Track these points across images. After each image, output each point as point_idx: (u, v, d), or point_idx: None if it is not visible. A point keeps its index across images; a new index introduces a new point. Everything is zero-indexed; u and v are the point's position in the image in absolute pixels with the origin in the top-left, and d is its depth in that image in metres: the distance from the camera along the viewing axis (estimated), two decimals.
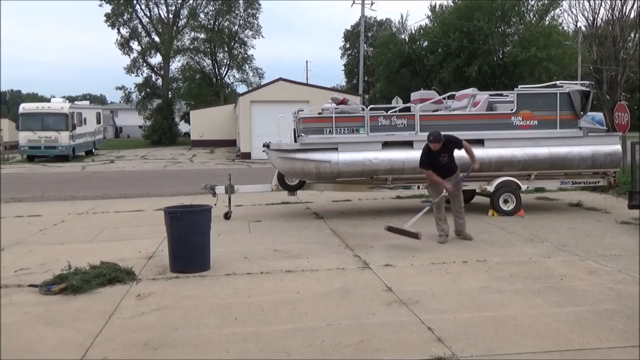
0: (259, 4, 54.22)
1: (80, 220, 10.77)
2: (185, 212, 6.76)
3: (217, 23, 54.15)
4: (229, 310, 5.23)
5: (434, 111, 10.90)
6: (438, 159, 8.06)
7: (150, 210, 11.57)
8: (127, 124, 77.52)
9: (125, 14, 51.51)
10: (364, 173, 10.09)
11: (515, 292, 5.61)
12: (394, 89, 46.99)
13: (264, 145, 10.86)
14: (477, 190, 11.08)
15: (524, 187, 10.41)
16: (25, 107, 30.75)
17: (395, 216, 10.35)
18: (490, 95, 11.14)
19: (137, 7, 51.85)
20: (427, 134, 10.04)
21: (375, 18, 64.79)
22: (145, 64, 53.61)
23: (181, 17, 53.32)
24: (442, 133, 8.08)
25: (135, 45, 53.02)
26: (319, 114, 10.72)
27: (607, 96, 41.87)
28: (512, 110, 10.36)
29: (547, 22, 45.01)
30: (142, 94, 53.98)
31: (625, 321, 4.74)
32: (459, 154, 9.37)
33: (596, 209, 10.83)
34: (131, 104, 56.63)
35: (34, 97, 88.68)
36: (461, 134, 10.10)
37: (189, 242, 6.50)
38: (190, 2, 52.74)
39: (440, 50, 46.50)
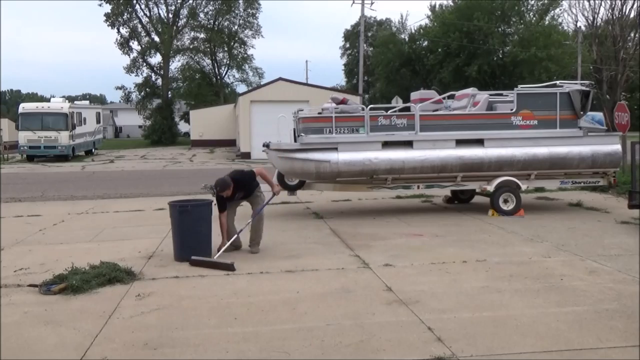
0: (259, 4, 54.41)
1: (80, 220, 10.77)
2: (194, 204, 7.49)
3: (217, 23, 54.19)
4: (228, 310, 5.23)
5: (433, 111, 10.91)
6: (234, 198, 7.63)
7: (150, 210, 11.58)
8: (126, 124, 77.58)
9: (125, 14, 51.53)
10: (364, 173, 10.09)
11: (515, 292, 5.61)
12: (393, 88, 47.02)
13: (263, 145, 10.85)
14: (477, 190, 11.09)
15: (523, 186, 10.41)
16: (25, 107, 30.76)
17: (395, 216, 10.37)
18: (490, 95, 11.13)
19: (137, 6, 51.93)
20: (427, 133, 10.17)
21: (375, 18, 64.97)
22: (145, 64, 53.59)
23: (181, 16, 53.41)
24: (229, 175, 7.53)
25: (135, 45, 53.10)
26: (318, 113, 10.72)
27: (607, 96, 41.83)
28: (512, 110, 10.36)
29: (547, 22, 45.05)
30: (142, 93, 53.93)
31: (625, 321, 4.74)
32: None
33: (596, 208, 10.83)
34: (131, 103, 56.57)
35: (33, 97, 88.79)
36: (461, 134, 10.20)
37: (195, 232, 7.15)
38: (190, 1, 52.80)
39: (440, 50, 46.54)
